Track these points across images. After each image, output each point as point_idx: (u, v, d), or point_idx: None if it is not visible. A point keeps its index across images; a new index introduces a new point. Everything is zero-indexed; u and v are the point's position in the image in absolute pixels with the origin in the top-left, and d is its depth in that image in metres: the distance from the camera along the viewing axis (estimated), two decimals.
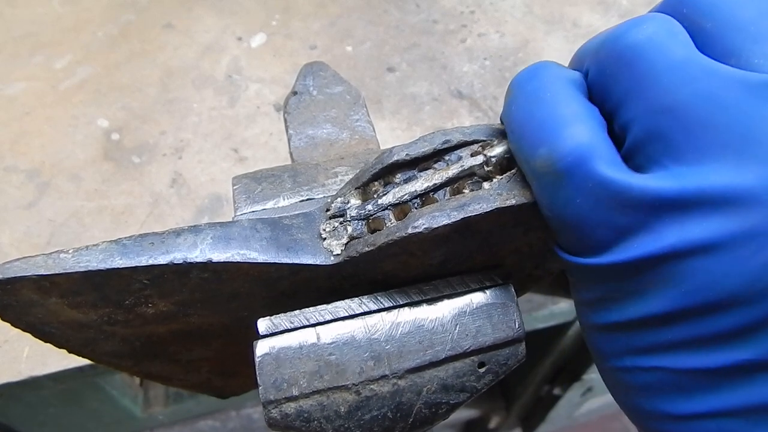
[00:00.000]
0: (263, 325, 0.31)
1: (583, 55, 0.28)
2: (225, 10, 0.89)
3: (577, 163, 0.24)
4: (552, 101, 0.26)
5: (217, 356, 0.40)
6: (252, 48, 0.85)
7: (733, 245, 0.21)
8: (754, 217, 0.21)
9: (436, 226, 0.28)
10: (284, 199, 0.36)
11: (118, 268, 0.28)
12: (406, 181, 0.31)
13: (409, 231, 0.28)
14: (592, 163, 0.24)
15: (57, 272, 0.28)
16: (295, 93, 0.46)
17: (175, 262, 0.29)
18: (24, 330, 0.32)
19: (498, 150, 0.29)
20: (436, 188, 0.30)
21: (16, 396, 0.65)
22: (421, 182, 0.30)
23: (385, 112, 0.78)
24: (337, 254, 0.31)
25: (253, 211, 0.36)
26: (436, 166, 0.31)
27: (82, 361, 0.55)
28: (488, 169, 0.29)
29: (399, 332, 0.31)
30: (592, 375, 1.08)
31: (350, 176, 0.36)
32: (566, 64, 0.29)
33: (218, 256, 0.29)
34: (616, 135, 0.25)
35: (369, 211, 0.31)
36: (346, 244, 0.31)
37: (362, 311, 0.32)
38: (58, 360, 0.59)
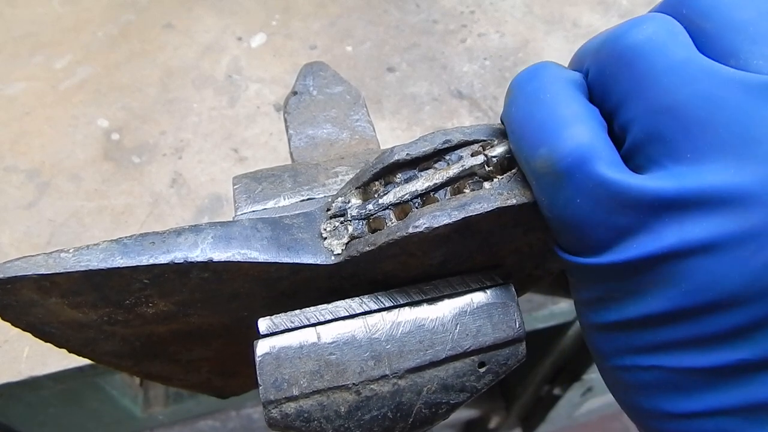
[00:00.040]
0: (264, 324, 0.31)
1: (583, 56, 0.28)
2: (225, 10, 0.89)
3: (577, 163, 0.24)
4: (552, 102, 0.26)
5: (217, 356, 0.40)
6: (252, 48, 0.85)
7: (733, 245, 0.21)
8: (753, 217, 0.21)
9: (437, 225, 0.28)
10: (285, 199, 0.36)
11: (118, 268, 0.28)
12: (407, 180, 0.31)
13: (410, 230, 0.28)
14: (592, 164, 0.24)
15: (57, 271, 0.28)
16: (295, 93, 0.46)
17: (176, 261, 0.29)
18: (24, 330, 0.32)
19: (499, 150, 0.29)
20: (437, 188, 0.30)
21: (16, 396, 0.65)
22: (422, 182, 0.30)
23: (385, 112, 0.78)
24: (338, 254, 0.31)
25: (253, 211, 0.36)
26: (436, 165, 0.31)
27: (82, 361, 0.55)
28: (489, 168, 0.29)
29: (399, 332, 0.31)
30: (592, 375, 1.08)
31: (350, 176, 0.36)
32: (566, 65, 0.29)
33: (219, 255, 0.29)
34: (616, 135, 0.25)
35: (370, 210, 0.31)
36: (346, 243, 0.31)
37: (363, 311, 0.32)
38: (58, 360, 0.59)
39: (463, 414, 1.31)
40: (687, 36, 0.24)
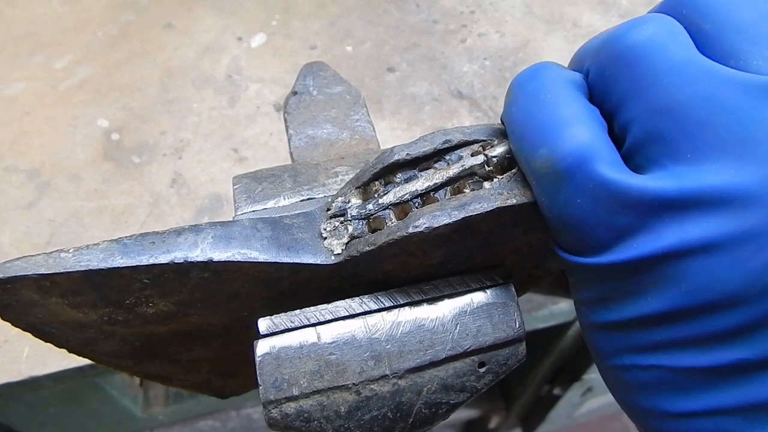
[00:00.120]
0: (264, 324, 0.31)
1: (583, 56, 0.28)
2: (225, 10, 0.89)
3: (577, 163, 0.24)
4: (552, 102, 0.26)
5: (217, 356, 0.40)
6: (252, 48, 0.85)
7: (733, 245, 0.21)
8: (753, 217, 0.21)
9: (437, 225, 0.28)
10: (285, 199, 0.36)
11: (118, 268, 0.28)
12: (407, 180, 0.31)
13: (410, 230, 0.28)
14: (592, 164, 0.24)
15: (57, 271, 0.28)
16: (295, 93, 0.46)
17: (176, 261, 0.29)
18: (24, 330, 0.32)
19: (499, 150, 0.29)
20: (437, 188, 0.30)
21: (16, 396, 0.65)
22: (422, 182, 0.30)
23: (385, 112, 0.78)
24: (338, 254, 0.31)
25: (253, 211, 0.36)
26: (436, 165, 0.31)
27: (82, 361, 0.55)
28: (489, 168, 0.29)
29: (399, 332, 0.31)
30: (592, 375, 1.08)
31: (350, 176, 0.36)
32: (566, 65, 0.29)
33: (219, 255, 0.29)
34: (616, 135, 0.25)
35: (370, 210, 0.31)
36: (346, 243, 0.31)
37: (363, 311, 0.32)
38: (58, 360, 0.59)
39: (463, 414, 1.31)
40: (687, 36, 0.24)
